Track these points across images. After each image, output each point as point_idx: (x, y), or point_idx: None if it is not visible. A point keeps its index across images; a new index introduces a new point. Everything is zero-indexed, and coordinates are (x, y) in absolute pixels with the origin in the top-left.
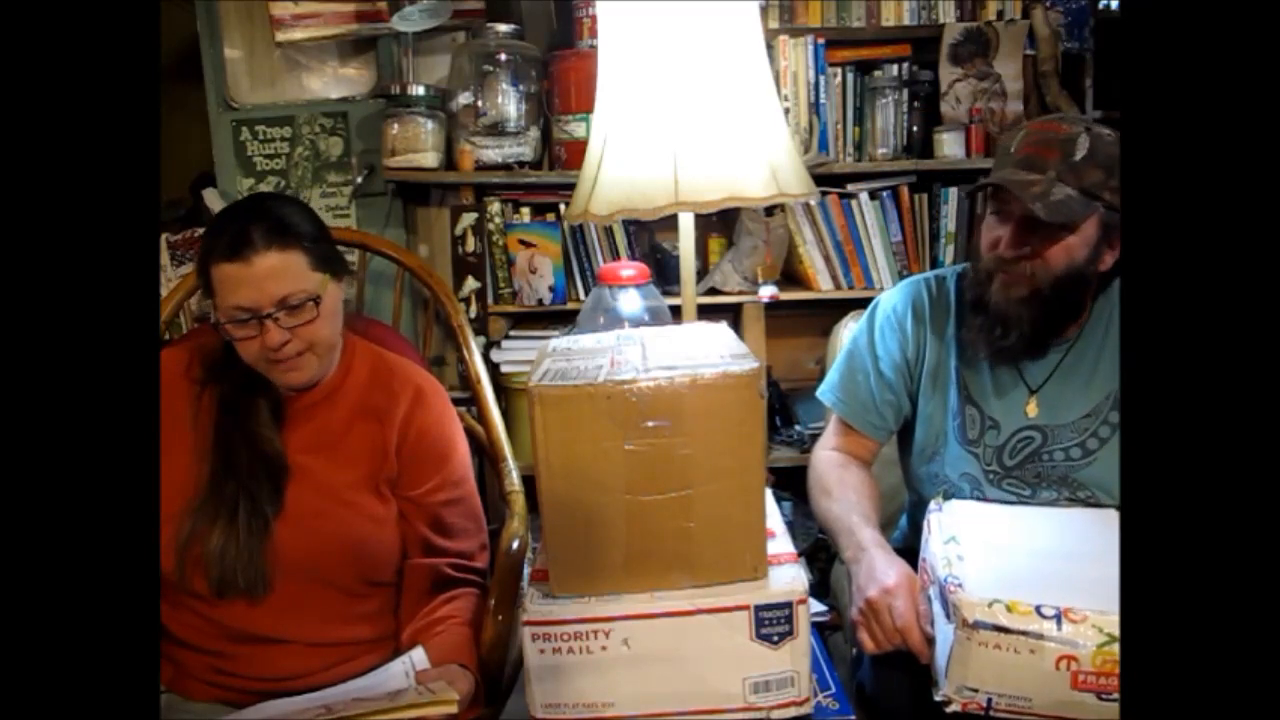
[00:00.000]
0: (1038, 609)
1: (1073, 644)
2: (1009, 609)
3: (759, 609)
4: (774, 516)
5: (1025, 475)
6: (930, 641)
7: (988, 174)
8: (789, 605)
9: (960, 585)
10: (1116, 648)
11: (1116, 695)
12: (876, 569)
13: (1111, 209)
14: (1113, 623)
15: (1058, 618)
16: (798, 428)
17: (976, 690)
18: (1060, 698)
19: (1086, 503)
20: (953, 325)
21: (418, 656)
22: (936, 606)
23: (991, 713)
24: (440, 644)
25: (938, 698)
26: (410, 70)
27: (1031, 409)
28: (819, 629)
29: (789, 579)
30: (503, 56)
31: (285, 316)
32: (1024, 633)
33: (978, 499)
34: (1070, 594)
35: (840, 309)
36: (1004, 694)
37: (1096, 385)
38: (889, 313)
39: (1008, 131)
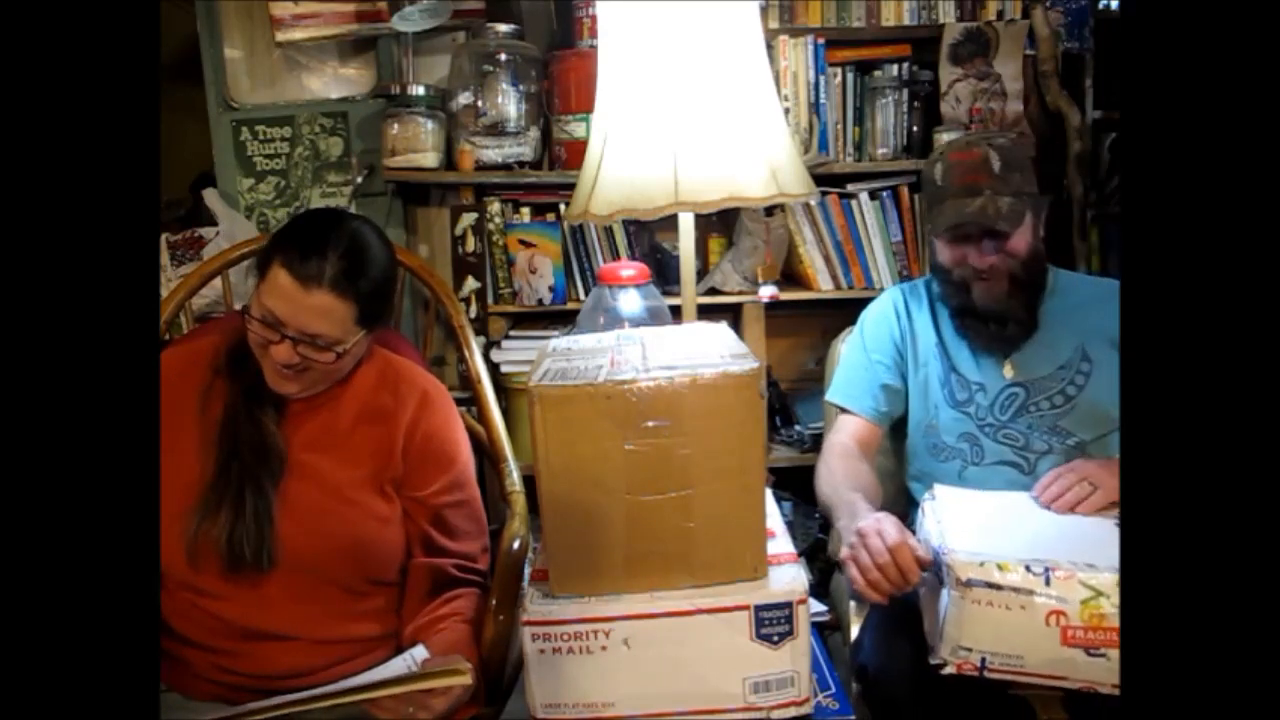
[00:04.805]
0: (1027, 566)
1: (1061, 599)
2: (1000, 568)
3: (759, 609)
4: (774, 516)
5: (1018, 426)
6: (922, 564)
7: (928, 206)
8: (789, 605)
9: (954, 551)
10: (1102, 602)
11: (1103, 651)
12: (864, 513)
13: (1031, 196)
14: (1098, 580)
15: (1046, 575)
16: (798, 428)
17: (971, 650)
18: (1051, 655)
19: (1073, 450)
20: (928, 313)
21: (419, 654)
22: (932, 576)
23: (985, 673)
24: (441, 641)
25: (934, 660)
26: (410, 70)
27: (1009, 371)
28: (819, 629)
29: (789, 579)
30: (503, 56)
31: (305, 347)
32: (1015, 589)
33: (977, 460)
34: (1056, 557)
35: (840, 309)
36: (998, 653)
37: (1064, 344)
38: (874, 315)
39: (927, 164)
